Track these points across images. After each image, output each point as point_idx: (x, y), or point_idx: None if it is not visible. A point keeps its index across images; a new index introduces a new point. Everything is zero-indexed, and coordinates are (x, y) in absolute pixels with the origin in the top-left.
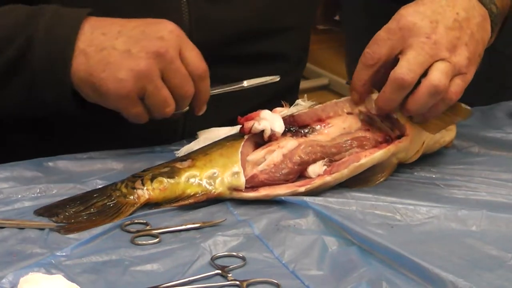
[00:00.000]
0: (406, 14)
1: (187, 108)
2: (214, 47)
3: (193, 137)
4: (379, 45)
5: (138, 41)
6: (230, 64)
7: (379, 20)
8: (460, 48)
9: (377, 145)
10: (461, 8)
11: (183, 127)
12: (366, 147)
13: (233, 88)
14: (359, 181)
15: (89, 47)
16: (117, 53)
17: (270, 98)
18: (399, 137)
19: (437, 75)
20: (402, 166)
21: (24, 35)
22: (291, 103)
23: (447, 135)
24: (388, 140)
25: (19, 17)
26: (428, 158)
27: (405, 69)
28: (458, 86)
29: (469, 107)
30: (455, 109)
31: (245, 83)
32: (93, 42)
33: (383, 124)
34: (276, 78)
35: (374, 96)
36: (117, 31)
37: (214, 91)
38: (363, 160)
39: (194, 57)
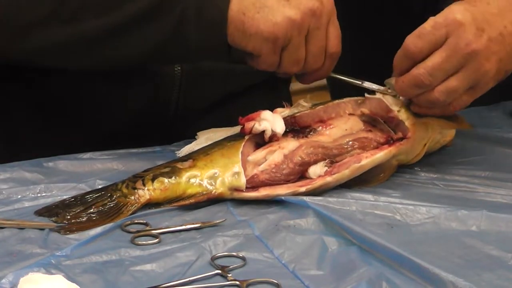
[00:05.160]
0: (456, 11)
1: None
2: None
3: (186, 113)
4: (421, 38)
5: None
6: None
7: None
8: (491, 63)
9: (378, 146)
10: (509, 21)
11: (176, 101)
12: (367, 149)
13: (351, 82)
14: (358, 182)
15: None
16: None
17: (261, 80)
18: (401, 139)
19: (443, 95)
20: (402, 166)
21: None
22: (283, 91)
23: (448, 134)
24: (389, 142)
25: None
26: (428, 158)
27: (426, 72)
28: (459, 104)
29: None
30: (458, 119)
31: (366, 84)
32: None
33: (386, 126)
34: (391, 92)
35: (392, 80)
36: None
37: (334, 75)
38: (364, 161)
39: (336, 36)
